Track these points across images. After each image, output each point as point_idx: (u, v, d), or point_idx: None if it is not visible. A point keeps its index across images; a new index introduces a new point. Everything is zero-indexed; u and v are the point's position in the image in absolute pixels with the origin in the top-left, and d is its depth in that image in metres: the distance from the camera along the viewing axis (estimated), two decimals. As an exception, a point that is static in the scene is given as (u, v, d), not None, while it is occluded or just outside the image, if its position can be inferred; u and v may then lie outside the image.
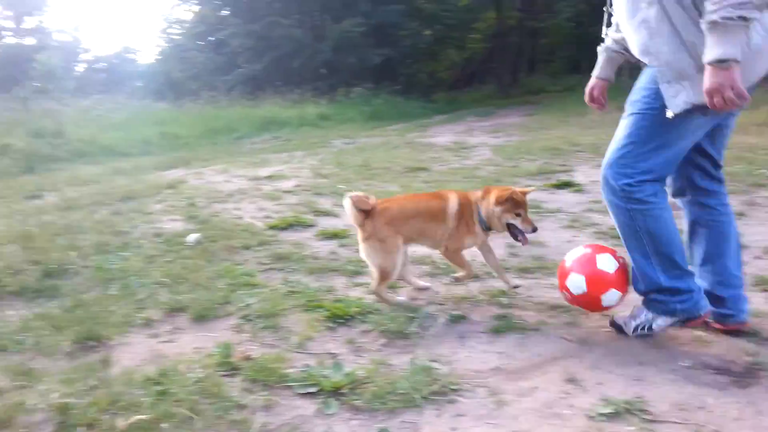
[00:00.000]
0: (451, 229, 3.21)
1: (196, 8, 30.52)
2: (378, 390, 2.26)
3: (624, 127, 2.57)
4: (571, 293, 2.79)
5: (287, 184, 6.74)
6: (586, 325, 2.84)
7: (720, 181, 2.71)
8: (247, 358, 2.60)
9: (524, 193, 3.16)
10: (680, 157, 2.54)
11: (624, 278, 2.74)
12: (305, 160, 8.95)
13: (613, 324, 2.74)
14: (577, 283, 2.75)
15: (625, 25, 2.56)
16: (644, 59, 2.53)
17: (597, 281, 2.72)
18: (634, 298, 2.73)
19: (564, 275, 2.81)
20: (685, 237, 2.76)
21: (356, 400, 2.24)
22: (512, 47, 32.69)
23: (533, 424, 2.05)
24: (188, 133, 13.15)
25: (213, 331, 2.95)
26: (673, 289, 2.56)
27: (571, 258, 2.85)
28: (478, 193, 3.26)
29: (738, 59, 2.10)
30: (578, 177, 6.48)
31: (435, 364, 2.48)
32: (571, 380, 2.33)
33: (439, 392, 2.27)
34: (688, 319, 2.63)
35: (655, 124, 2.44)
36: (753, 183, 5.60)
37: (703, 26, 2.14)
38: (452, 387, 2.30)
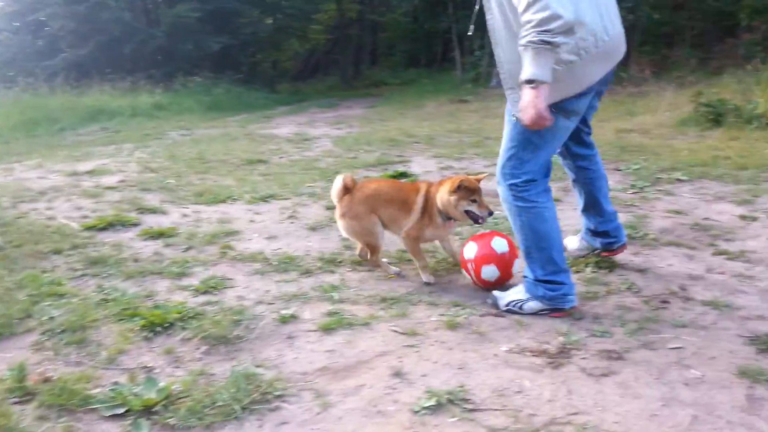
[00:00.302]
0: (416, 220, 3.31)
1: (9, -16, 27.32)
2: (194, 404, 2.10)
3: (506, 131, 2.80)
4: (463, 257, 3.24)
5: (110, 180, 6.20)
6: (415, 316, 2.86)
7: (591, 146, 3.28)
8: (46, 380, 2.31)
9: (477, 180, 3.26)
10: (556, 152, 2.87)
11: (509, 263, 3.15)
12: (134, 153, 8.31)
13: (491, 296, 2.96)
14: (469, 250, 3.20)
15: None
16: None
17: (485, 254, 3.14)
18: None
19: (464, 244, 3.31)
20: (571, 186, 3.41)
21: (170, 417, 2.06)
22: (354, 39, 33.07)
23: (357, 425, 2.00)
24: (1, 124, 11.72)
25: (8, 350, 2.59)
26: (547, 281, 2.79)
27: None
28: (435, 186, 3.34)
29: (545, 80, 2.32)
30: (414, 167, 6.63)
31: (259, 370, 2.36)
32: (398, 374, 2.32)
33: (262, 400, 2.15)
34: (555, 309, 2.81)
35: (525, 130, 2.58)
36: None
37: (519, 47, 2.35)
38: (276, 393, 2.19)
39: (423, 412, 2.05)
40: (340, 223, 3.44)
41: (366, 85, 28.69)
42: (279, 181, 6.04)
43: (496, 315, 2.85)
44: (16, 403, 2.17)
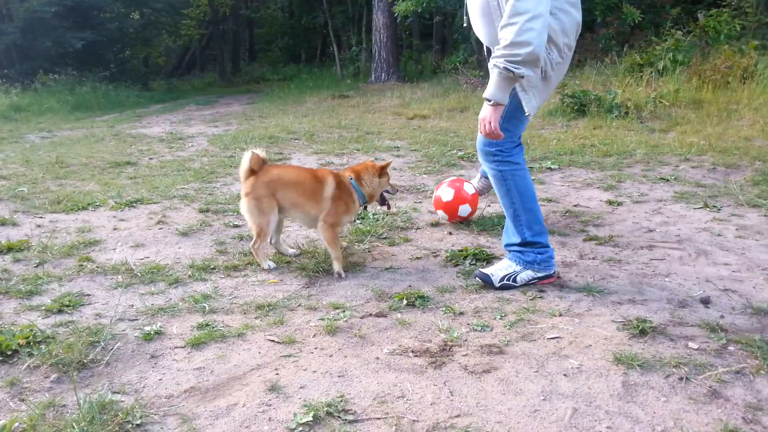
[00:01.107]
0: (329, 208, 3.34)
1: None
2: (39, 443, 1.83)
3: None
4: (441, 199, 4.02)
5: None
6: (293, 322, 2.72)
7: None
8: None
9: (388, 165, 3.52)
10: None
11: (475, 201, 4.08)
12: (-17, 159, 7.50)
13: (480, 275, 3.03)
14: (447, 194, 4.01)
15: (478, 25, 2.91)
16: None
17: (459, 197, 4.00)
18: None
19: (437, 189, 4.12)
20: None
21: (9, 462, 1.78)
22: (230, 35, 32.10)
23: (227, 450, 1.83)
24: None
25: None
26: (534, 243, 3.00)
27: (444, 183, 4.12)
28: (348, 173, 3.48)
29: (501, 102, 2.67)
30: (292, 164, 6.43)
31: (117, 396, 2.12)
32: (273, 388, 2.16)
33: (120, 430, 1.92)
34: (545, 277, 3.04)
35: (516, 109, 2.84)
36: (446, 163, 6.14)
37: (490, 65, 2.63)
38: (136, 422, 1.96)
39: (299, 429, 1.91)
40: (242, 203, 3.39)
41: (245, 81, 27.93)
42: (148, 184, 5.65)
43: (376, 315, 2.76)
44: None
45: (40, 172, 6.30)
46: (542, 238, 3.03)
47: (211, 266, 3.44)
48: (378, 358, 2.38)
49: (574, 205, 4.47)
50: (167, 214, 4.54)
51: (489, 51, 2.96)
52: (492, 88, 2.64)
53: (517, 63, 2.52)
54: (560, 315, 2.69)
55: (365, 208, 3.58)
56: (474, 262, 3.35)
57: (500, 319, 2.67)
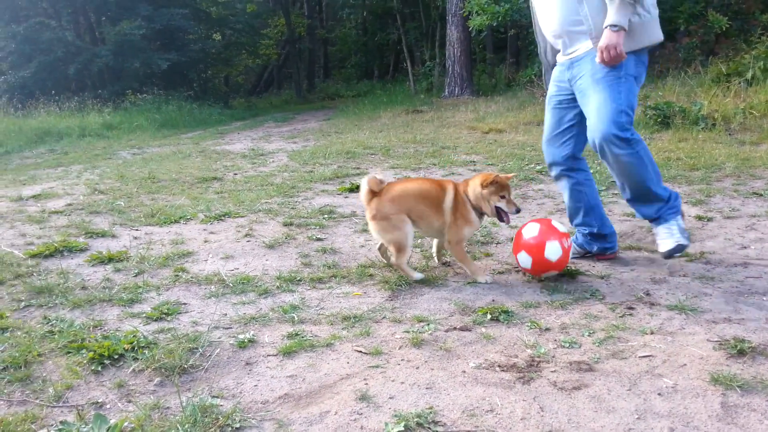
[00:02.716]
0: (450, 222, 3.39)
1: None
2: (148, 442, 1.96)
3: (605, 96, 3.12)
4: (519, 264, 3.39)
5: (57, 204, 5.94)
6: (379, 334, 2.77)
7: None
8: (-15, 425, 2.13)
9: (507, 178, 3.39)
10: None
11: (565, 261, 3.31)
12: (83, 174, 8.02)
13: (667, 254, 3.28)
14: (524, 261, 3.32)
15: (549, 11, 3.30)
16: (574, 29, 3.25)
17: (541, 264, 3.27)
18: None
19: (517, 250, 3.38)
20: (565, 200, 3.65)
21: (122, 458, 1.91)
22: (305, 53, 33.01)
23: (323, 456, 1.89)
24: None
25: (-57, 393, 2.40)
26: (670, 195, 3.31)
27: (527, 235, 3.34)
28: (463, 185, 3.47)
29: (625, 28, 2.95)
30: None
31: (217, 401, 2.23)
32: (363, 398, 2.22)
33: (221, 433, 2.02)
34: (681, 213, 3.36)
35: (627, 83, 3.11)
36: (524, 177, 6.09)
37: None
38: (236, 425, 2.06)
39: (391, 437, 1.95)
40: (371, 226, 3.47)
41: (320, 98, 28.60)
42: (234, 198, 5.88)
43: (461, 329, 2.78)
44: (-51, 452, 1.99)
45: (134, 187, 6.68)
46: (667, 189, 3.34)
47: (297, 278, 3.56)
48: (465, 371, 2.39)
49: (661, 221, 4.33)
50: (253, 228, 4.72)
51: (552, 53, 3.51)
52: (616, 15, 2.92)
53: None
54: (652, 333, 2.62)
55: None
56: (558, 277, 3.31)
57: (588, 336, 2.63)
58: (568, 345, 2.55)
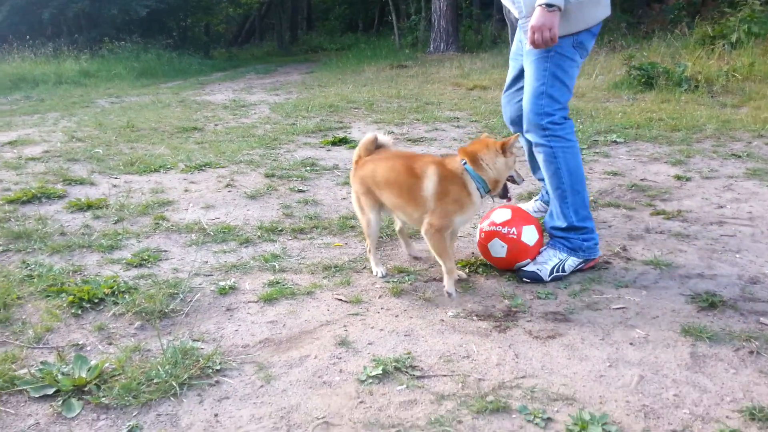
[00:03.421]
0: (433, 208, 2.64)
1: None
2: (129, 382, 1.98)
3: (532, 72, 2.81)
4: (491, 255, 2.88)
5: (34, 150, 5.83)
6: (359, 283, 2.80)
7: None
8: (-36, 364, 2.14)
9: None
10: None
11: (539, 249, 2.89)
12: (60, 122, 7.85)
13: (527, 276, 2.76)
14: (496, 249, 2.84)
15: None
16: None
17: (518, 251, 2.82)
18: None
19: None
20: (526, 156, 3.38)
21: (103, 397, 1.93)
22: (288, 3, 32.26)
23: (302, 397, 1.93)
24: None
25: None
26: (581, 228, 2.83)
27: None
28: (460, 156, 2.69)
29: (561, 7, 2.55)
30: (354, 133, 6.51)
31: (198, 344, 2.25)
32: (343, 343, 2.25)
33: (201, 375, 2.05)
34: (588, 260, 2.85)
35: (559, 65, 2.75)
36: (506, 134, 6.06)
37: None
38: (216, 368, 2.09)
39: (370, 381, 2.00)
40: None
41: (303, 51, 28.13)
42: (215, 149, 5.82)
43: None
44: (-71, 390, 1.99)
45: (112, 136, 6.57)
46: (589, 223, 2.85)
47: (279, 228, 3.56)
48: (443, 320, 2.43)
49: (641, 180, 4.38)
50: (235, 178, 4.69)
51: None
52: None
53: None
54: (626, 287, 2.68)
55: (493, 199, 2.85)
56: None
57: (564, 288, 2.68)
58: (544, 296, 2.60)
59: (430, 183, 2.63)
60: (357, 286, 2.77)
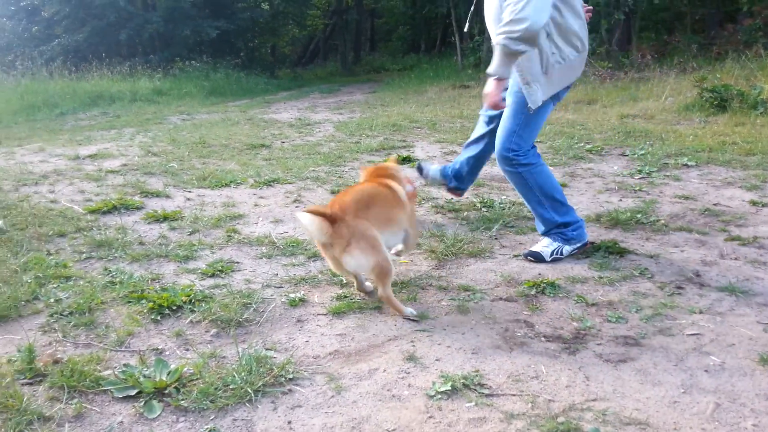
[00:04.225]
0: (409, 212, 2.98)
1: (3, -33, 26.94)
2: (206, 387, 2.07)
3: (511, 113, 3.25)
4: None
5: (113, 164, 6.15)
6: (425, 300, 2.83)
7: None
8: (56, 362, 2.28)
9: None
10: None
11: None
12: (136, 137, 8.24)
13: (530, 254, 3.34)
14: None
15: (491, 27, 3.14)
16: None
17: None
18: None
19: None
20: (473, 135, 3.95)
21: (182, 400, 2.03)
22: (352, 25, 32.82)
23: (372, 409, 1.97)
24: (2, 108, 11.61)
25: (16, 332, 2.56)
26: (566, 223, 3.34)
27: None
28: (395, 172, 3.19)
29: (505, 77, 2.97)
30: (417, 152, 6.57)
31: (270, 353, 2.33)
32: (411, 358, 2.28)
33: (275, 383, 2.12)
34: (581, 246, 3.37)
35: (527, 112, 3.20)
36: (573, 156, 6.02)
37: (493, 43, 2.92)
38: (289, 376, 2.16)
39: (439, 396, 2.02)
40: (347, 258, 2.65)
41: (366, 71, 28.53)
42: (282, 165, 5.98)
43: (507, 299, 2.82)
44: (26, 384, 2.14)
45: (185, 151, 6.85)
46: (571, 215, 3.37)
47: (345, 244, 3.62)
48: (510, 340, 2.43)
49: (714, 204, 4.25)
50: (302, 194, 4.81)
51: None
52: (495, 64, 2.90)
53: (516, 39, 2.78)
54: (700, 312, 2.61)
55: None
56: (606, 255, 3.30)
57: (636, 312, 2.64)
58: (614, 320, 2.56)
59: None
60: (423, 303, 2.80)
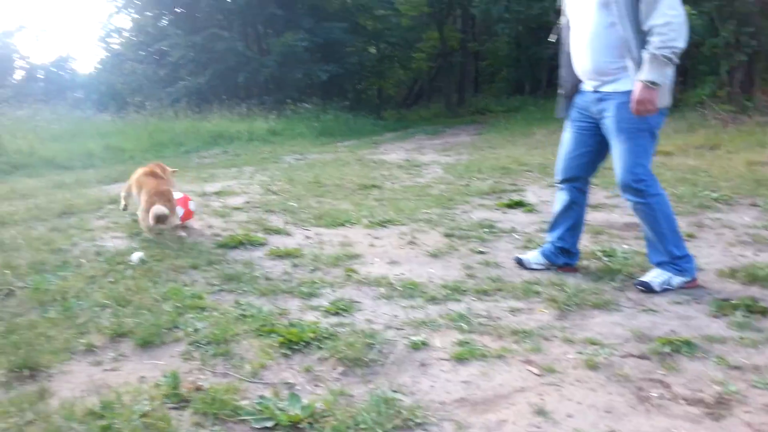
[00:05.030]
0: None
1: (135, 16, 29.61)
2: (338, 424, 2.12)
3: (625, 148, 3.41)
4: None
5: (236, 201, 6.51)
6: (551, 352, 2.77)
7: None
8: (198, 389, 2.42)
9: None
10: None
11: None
12: (255, 175, 8.71)
13: (641, 283, 3.48)
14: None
15: (584, 48, 3.51)
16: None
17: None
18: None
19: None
20: (557, 209, 3.94)
21: (316, 435, 2.08)
22: (457, 67, 33.26)
23: (505, 462, 1.94)
24: (133, 146, 12.61)
25: (160, 358, 2.74)
26: (682, 256, 3.49)
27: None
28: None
29: (661, 84, 3.19)
30: (529, 197, 6.50)
31: (397, 395, 2.35)
32: (540, 413, 2.23)
33: (404, 426, 2.14)
34: (690, 281, 3.50)
35: (647, 137, 3.41)
36: (699, 204, 5.72)
37: (646, 54, 3.18)
38: (417, 420, 2.17)
39: (574, 454, 1.96)
40: None
41: (470, 112, 28.71)
42: (394, 206, 6.10)
43: (639, 357, 2.70)
44: (172, 408, 2.28)
45: (302, 190, 7.14)
46: (685, 249, 3.53)
47: (462, 288, 3.63)
48: (645, 399, 2.33)
49: None
50: (415, 236, 4.88)
51: (574, 87, 3.73)
52: (651, 73, 3.14)
53: (676, 52, 3.13)
54: None
55: None
56: (747, 314, 3.09)
57: (785, 379, 2.45)
58: (762, 386, 2.39)
59: None
60: (549, 355, 2.74)
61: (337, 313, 3.24)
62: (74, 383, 2.51)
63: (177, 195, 4.92)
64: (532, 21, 24.66)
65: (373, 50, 29.78)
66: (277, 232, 5.07)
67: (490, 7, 23.93)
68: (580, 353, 2.73)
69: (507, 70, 33.78)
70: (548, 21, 22.35)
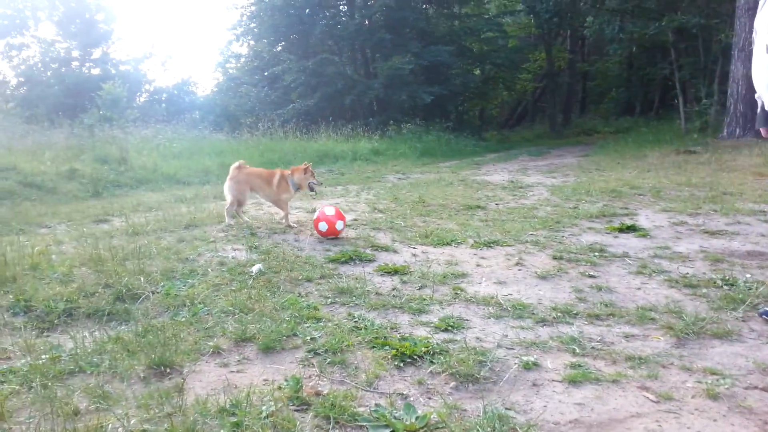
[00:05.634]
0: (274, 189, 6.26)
1: (252, 43, 31.42)
2: (453, 437, 2.19)
3: None
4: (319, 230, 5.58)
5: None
6: (668, 379, 2.70)
7: None
8: (318, 394, 2.57)
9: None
10: None
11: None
12: (361, 194, 8.99)
13: (765, 313, 3.44)
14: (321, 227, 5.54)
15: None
16: None
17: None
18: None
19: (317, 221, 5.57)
20: None
21: (431, 445, 2.16)
22: (563, 87, 32.58)
23: (622, 485, 1.93)
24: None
25: (281, 363, 2.93)
26: None
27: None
28: (288, 171, 6.38)
29: None
30: (642, 221, 6.29)
31: (510, 413, 2.39)
32: (659, 439, 2.20)
33: (518, 443, 2.17)
34: None
35: None
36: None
37: None
38: (532, 439, 2.20)
39: (696, 483, 1.92)
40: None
41: (576, 134, 28.04)
42: (499, 227, 6.11)
43: (763, 389, 2.58)
44: (294, 410, 2.44)
45: (407, 209, 7.30)
46: None
47: (573, 311, 3.60)
48: (771, 433, 2.23)
49: None
50: (523, 257, 4.87)
51: None
52: None
53: None
54: None
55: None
56: None
57: None
58: None
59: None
60: (666, 382, 2.68)
61: (447, 330, 3.32)
62: (205, 382, 2.74)
63: (330, 210, 5.68)
64: (647, 41, 23.79)
65: (477, 72, 29.82)
66: (385, 249, 5.22)
67: (603, 27, 23.33)
68: (699, 382, 2.65)
69: (616, 91, 32.71)
70: (665, 41, 21.58)
